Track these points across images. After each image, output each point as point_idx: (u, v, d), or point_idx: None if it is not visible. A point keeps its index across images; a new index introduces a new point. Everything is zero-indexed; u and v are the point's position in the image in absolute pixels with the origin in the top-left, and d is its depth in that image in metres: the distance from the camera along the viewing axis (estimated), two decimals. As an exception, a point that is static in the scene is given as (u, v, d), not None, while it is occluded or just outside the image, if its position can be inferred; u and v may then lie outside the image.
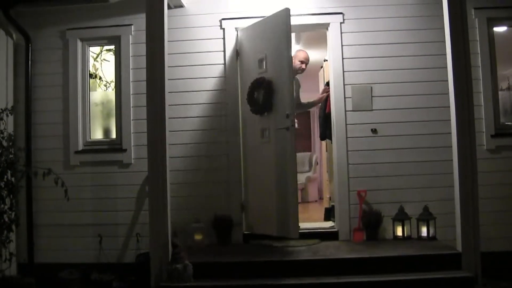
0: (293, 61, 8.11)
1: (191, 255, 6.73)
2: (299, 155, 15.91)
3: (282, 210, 7.25)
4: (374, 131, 7.92)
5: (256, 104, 7.72)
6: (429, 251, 6.83)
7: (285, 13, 7.37)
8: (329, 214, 9.07)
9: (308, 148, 17.96)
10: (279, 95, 7.40)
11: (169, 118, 7.07)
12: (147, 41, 6.76)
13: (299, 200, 13.91)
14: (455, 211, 6.82)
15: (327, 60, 9.36)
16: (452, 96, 6.75)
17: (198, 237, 7.70)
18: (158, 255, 6.50)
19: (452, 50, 6.72)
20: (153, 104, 6.69)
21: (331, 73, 8.19)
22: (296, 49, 11.20)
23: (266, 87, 7.58)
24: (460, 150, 6.61)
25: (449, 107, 6.94)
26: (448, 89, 6.88)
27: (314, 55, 11.82)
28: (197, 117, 8.15)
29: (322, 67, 10.62)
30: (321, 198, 15.23)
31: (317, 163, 16.53)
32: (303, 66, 8.47)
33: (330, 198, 9.58)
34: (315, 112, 16.73)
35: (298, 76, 8.76)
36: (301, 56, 8.48)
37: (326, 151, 10.13)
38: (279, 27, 7.43)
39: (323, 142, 10.98)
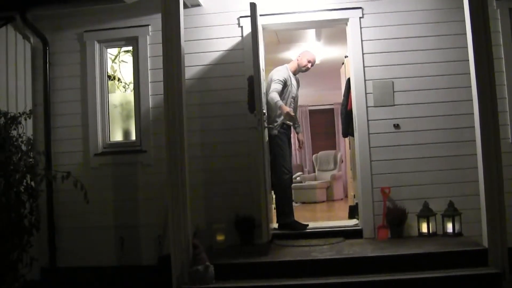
0: (299, 58, 8.30)
1: (212, 256, 6.68)
2: (324, 153, 16.79)
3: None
4: (396, 126, 7.80)
5: (247, 102, 7.85)
6: (455, 247, 6.70)
7: (251, 8, 7.31)
8: (353, 212, 9.01)
9: (333, 146, 18.03)
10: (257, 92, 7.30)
11: (188, 118, 7.05)
12: (163, 41, 6.65)
13: (324, 198, 14.74)
14: (480, 206, 6.69)
15: (348, 57, 9.20)
16: (474, 89, 6.62)
17: (220, 237, 7.61)
18: (179, 257, 6.39)
19: (474, 42, 6.58)
20: (170, 104, 6.58)
21: (351, 68, 8.08)
22: (318, 46, 11.24)
23: (249, 84, 7.73)
24: (484, 143, 6.46)
25: (472, 100, 6.83)
26: (471, 82, 6.74)
27: (335, 52, 12.12)
28: (217, 116, 8.07)
29: (343, 63, 10.52)
30: (346, 196, 15.27)
31: (342, 161, 16.58)
32: (309, 65, 8.38)
33: (354, 196, 9.57)
34: (338, 109, 16.77)
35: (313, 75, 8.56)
36: (309, 55, 8.40)
37: (349, 148, 10.07)
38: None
39: (346, 140, 10.95)
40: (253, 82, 7.38)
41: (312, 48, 10.56)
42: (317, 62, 12.32)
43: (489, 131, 6.43)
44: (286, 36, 10.72)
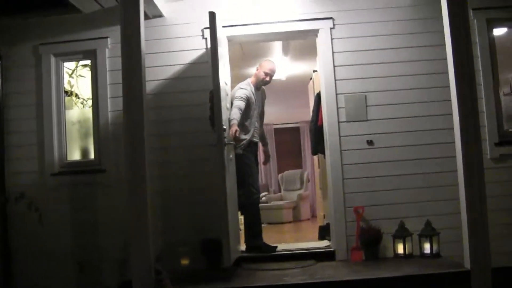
0: (258, 70, 7.89)
1: (177, 282, 6.27)
2: (290, 172, 16.65)
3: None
4: (370, 142, 7.51)
5: (209, 118, 7.41)
6: (435, 269, 6.35)
7: (210, 17, 6.88)
8: (323, 233, 8.69)
9: (299, 165, 17.93)
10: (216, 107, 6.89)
11: (154, 134, 6.91)
12: (123, 53, 6.22)
13: (291, 219, 14.55)
14: (460, 226, 6.35)
15: (316, 71, 9.14)
16: (455, 102, 6.26)
17: (184, 262, 7.21)
18: (140, 282, 5.93)
19: (454, 53, 6.22)
20: (130, 121, 6.15)
21: (322, 82, 7.76)
22: (285, 61, 10.90)
23: (211, 99, 7.22)
24: (466, 159, 6.10)
25: (450, 114, 6.49)
26: (450, 95, 6.41)
27: (303, 67, 11.83)
28: (179, 133, 7.68)
29: (311, 78, 10.23)
30: (313, 216, 15.24)
31: (309, 180, 16.46)
32: (267, 78, 7.90)
33: (324, 216, 9.29)
34: (304, 127, 17.18)
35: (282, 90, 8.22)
36: (266, 66, 7.91)
37: (319, 167, 9.82)
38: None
39: (315, 158, 10.84)
40: (212, 97, 7.02)
41: (278, 63, 10.27)
42: (283, 79, 12.23)
43: (471, 146, 6.08)
44: (252, 49, 10.34)
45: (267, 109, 8.63)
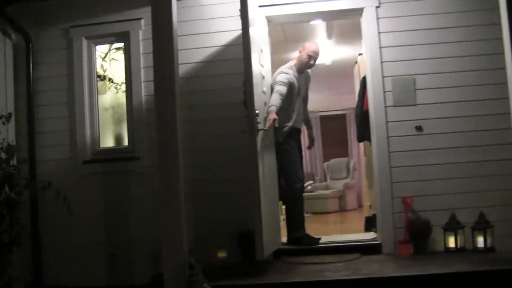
0: (300, 53, 7.43)
1: (212, 276, 5.87)
2: (336, 161, 16.39)
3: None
4: (419, 128, 7.08)
5: (243, 103, 6.94)
6: (490, 266, 5.86)
7: None
8: (370, 224, 8.29)
9: (345, 153, 17.52)
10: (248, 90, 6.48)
11: (185, 121, 6.41)
12: (154, 35, 5.93)
13: (337, 209, 14.25)
14: None
15: (362, 54, 8.70)
16: (511, 85, 5.80)
17: (220, 255, 6.87)
18: (173, 277, 5.61)
19: (511, 31, 5.78)
20: (162, 105, 5.86)
21: (367, 64, 7.35)
22: (329, 45, 10.53)
23: (244, 81, 6.70)
24: None
25: (506, 98, 6.18)
26: (506, 77, 6.05)
27: (347, 51, 11.42)
28: (212, 120, 7.37)
29: (356, 62, 9.87)
30: (360, 206, 14.89)
31: (355, 169, 16.13)
32: (311, 61, 7.43)
33: (370, 206, 8.93)
34: (351, 115, 16.89)
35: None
36: (310, 48, 7.43)
37: (365, 155, 9.44)
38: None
39: (361, 146, 10.48)
40: None
41: (322, 47, 9.88)
42: (328, 63, 11.84)
43: None
44: (294, 33, 9.94)
45: (312, 96, 8.28)
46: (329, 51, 11.34)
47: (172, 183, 5.74)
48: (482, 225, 6.62)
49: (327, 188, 15.89)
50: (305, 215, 13.30)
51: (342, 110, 17.84)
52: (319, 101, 15.94)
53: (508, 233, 6.53)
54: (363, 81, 7.99)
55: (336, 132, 18.04)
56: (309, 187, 15.54)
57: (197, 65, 7.44)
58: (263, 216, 6.18)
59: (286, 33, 9.95)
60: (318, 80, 11.34)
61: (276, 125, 6.63)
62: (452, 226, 6.75)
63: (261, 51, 6.91)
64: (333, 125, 18.05)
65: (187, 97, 7.16)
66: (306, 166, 17.37)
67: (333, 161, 16.67)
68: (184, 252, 5.72)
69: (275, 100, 6.84)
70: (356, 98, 8.55)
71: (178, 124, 5.86)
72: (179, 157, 5.80)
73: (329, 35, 10.37)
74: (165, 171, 5.78)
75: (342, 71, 12.62)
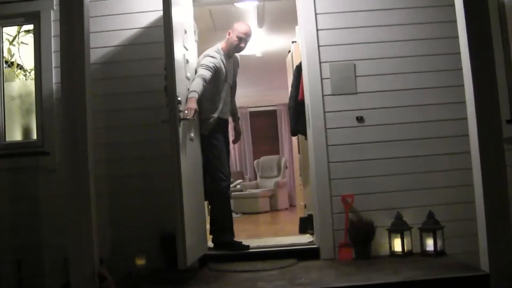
0: (229, 34, 6.76)
1: (127, 286, 5.36)
2: (266, 158, 16.03)
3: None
4: (360, 119, 6.51)
5: (164, 90, 6.22)
6: (443, 272, 5.23)
7: None
8: (305, 226, 7.77)
9: (276, 151, 17.31)
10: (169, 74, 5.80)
11: (101, 110, 6.27)
12: (62, 15, 5.30)
13: (268, 208, 13.91)
14: (468, 218, 5.85)
15: (296, 42, 8.22)
16: (467, 70, 5.27)
17: (139, 261, 6.06)
18: (80, 291, 4.91)
19: (466, 11, 5.24)
20: (69, 93, 5.23)
21: (303, 49, 6.72)
22: (260, 34, 10.13)
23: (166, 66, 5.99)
24: (482, 138, 5.10)
25: (457, 86, 5.89)
26: (458, 62, 5.54)
27: (280, 42, 10.93)
28: (129, 109, 6.65)
29: (290, 51, 9.25)
30: (292, 206, 14.82)
31: (287, 167, 15.97)
32: (241, 44, 6.76)
33: (305, 206, 8.36)
34: (282, 110, 16.86)
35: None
36: (240, 29, 6.75)
37: (299, 152, 8.88)
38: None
39: (294, 141, 10.03)
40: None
41: (252, 37, 9.30)
42: (258, 55, 11.28)
43: (488, 121, 5.09)
44: (223, 20, 9.35)
45: (242, 91, 7.69)
46: (260, 41, 10.78)
47: (80, 180, 5.13)
48: (431, 226, 6.08)
49: (257, 187, 15.61)
50: (235, 215, 13.09)
51: (273, 105, 17.62)
52: (249, 96, 15.74)
53: (459, 234, 6.10)
54: (297, 70, 7.42)
55: (267, 129, 17.82)
56: (238, 186, 15.36)
57: (115, 49, 6.72)
58: (187, 218, 5.43)
59: (215, 21, 9.47)
60: (248, 73, 11.03)
61: (194, 118, 5.92)
62: (398, 227, 6.20)
63: (185, 32, 6.19)
64: (263, 121, 17.83)
65: (103, 84, 6.59)
66: (235, 164, 17.27)
67: (263, 158, 16.36)
68: (93, 261, 5.09)
69: (197, 85, 6.12)
70: (289, 89, 7.95)
71: (88, 114, 5.25)
72: (88, 151, 5.19)
73: (260, 22, 9.81)
74: (73, 168, 5.17)
75: (274, 64, 12.15)
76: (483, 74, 5.11)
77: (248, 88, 14.34)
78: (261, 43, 10.93)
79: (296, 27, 7.66)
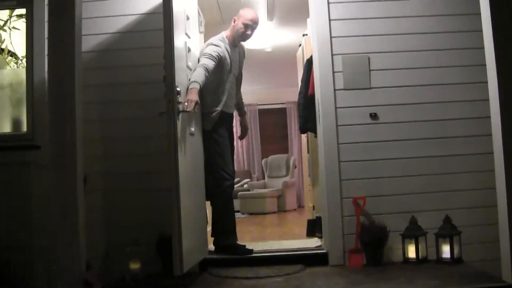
0: (234, 22, 6.38)
1: None
2: (275, 157, 15.83)
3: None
4: (374, 116, 6.14)
5: (164, 80, 5.82)
6: (464, 282, 4.84)
7: None
8: (313, 229, 7.50)
9: (285, 150, 17.03)
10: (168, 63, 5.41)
11: (86, 103, 5.48)
12: None
13: (275, 209, 13.75)
14: (488, 223, 5.64)
15: (307, 34, 7.88)
16: (492, 64, 4.89)
17: (134, 265, 5.68)
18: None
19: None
20: (57, 84, 4.93)
21: (314, 41, 6.33)
22: (270, 28, 9.93)
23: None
24: (507, 138, 4.74)
25: (481, 82, 5.50)
26: (482, 58, 5.16)
27: (290, 36, 10.76)
28: (127, 101, 6.30)
29: (300, 45, 8.92)
30: (300, 206, 14.63)
31: (296, 166, 15.74)
32: (248, 31, 6.37)
33: (314, 208, 7.99)
34: (292, 108, 16.55)
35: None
36: (246, 16, 6.38)
37: (308, 151, 8.49)
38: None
39: (303, 139, 9.56)
40: None
41: (262, 30, 8.98)
42: (268, 49, 11.05)
43: None
44: (231, 12, 8.94)
45: (251, 88, 7.35)
46: (269, 35, 10.52)
47: (67, 178, 4.77)
48: (447, 231, 5.70)
49: (265, 186, 15.41)
50: (241, 215, 12.78)
51: (283, 103, 17.28)
52: (258, 93, 15.65)
53: (477, 240, 5.78)
54: (308, 64, 7.14)
55: (276, 127, 17.54)
56: (245, 186, 15.23)
57: (112, 36, 6.36)
58: (184, 219, 5.06)
59: (222, 13, 9.20)
60: (257, 69, 10.85)
61: (195, 110, 5.51)
62: (413, 232, 5.83)
63: (187, 18, 5.82)
64: (272, 119, 17.53)
65: (99, 74, 6.27)
66: (243, 163, 17.01)
67: (271, 157, 16.12)
68: (80, 266, 4.75)
69: (199, 76, 5.73)
70: (299, 84, 7.64)
71: (77, 105, 4.90)
72: (76, 146, 4.84)
73: (271, 15, 9.53)
74: (59, 163, 4.81)
75: (284, 59, 11.93)
76: (509, 70, 4.73)
77: (257, 84, 14.21)
78: (271, 37, 10.68)
79: (308, 19, 7.32)
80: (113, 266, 5.70)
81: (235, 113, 6.79)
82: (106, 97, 6.27)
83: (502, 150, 4.69)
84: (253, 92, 15.13)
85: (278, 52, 11.69)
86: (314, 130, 6.81)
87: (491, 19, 4.82)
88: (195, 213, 5.60)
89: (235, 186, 14.49)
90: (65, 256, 4.62)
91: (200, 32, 7.03)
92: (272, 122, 17.48)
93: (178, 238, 4.95)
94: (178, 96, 5.11)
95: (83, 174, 4.89)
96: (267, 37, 10.50)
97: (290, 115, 17.14)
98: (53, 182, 4.75)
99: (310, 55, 6.88)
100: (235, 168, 6.73)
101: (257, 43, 10.63)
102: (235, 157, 6.68)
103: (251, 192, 14.47)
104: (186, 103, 5.30)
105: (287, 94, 15.93)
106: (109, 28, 6.35)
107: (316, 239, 7.00)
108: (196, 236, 5.62)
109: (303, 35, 8.43)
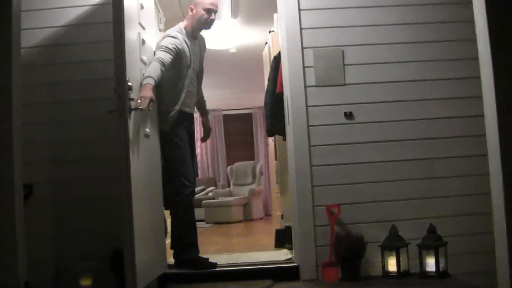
0: (193, 10, 5.86)
1: None
2: (240, 164, 15.69)
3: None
4: (349, 115, 5.67)
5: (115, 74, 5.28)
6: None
7: None
8: (282, 239, 7.13)
9: (251, 156, 16.91)
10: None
11: (30, 103, 5.35)
12: None
13: (241, 218, 13.57)
14: (474, 233, 5.40)
15: (273, 31, 7.58)
16: (486, 55, 4.35)
17: (85, 282, 5.18)
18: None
19: None
20: None
21: (282, 33, 5.85)
22: (234, 25, 9.66)
23: None
24: (505, 138, 4.22)
25: (469, 77, 5.40)
26: (470, 51, 4.98)
27: (255, 36, 10.48)
28: (77, 100, 5.76)
29: (266, 43, 8.54)
30: (267, 215, 14.65)
31: (262, 174, 15.69)
32: (212, 17, 5.88)
33: (282, 217, 7.66)
34: (258, 114, 16.57)
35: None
36: (205, 1, 5.88)
37: (276, 158, 8.11)
38: None
39: (270, 147, 9.49)
40: None
41: (226, 29, 8.59)
42: (232, 50, 10.71)
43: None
44: None
45: (215, 92, 6.84)
46: (234, 34, 10.10)
47: (3, 187, 4.15)
48: (432, 241, 5.25)
49: (230, 194, 15.26)
50: (206, 225, 12.36)
51: (249, 108, 17.16)
52: (222, 98, 15.47)
53: (464, 251, 5.39)
54: (275, 61, 6.70)
55: (242, 133, 17.39)
56: (210, 194, 15.03)
57: (60, 29, 5.82)
58: (139, 230, 4.53)
59: (184, 8, 8.67)
60: (221, 72, 10.91)
61: (150, 108, 4.94)
62: (393, 243, 5.35)
63: (142, 7, 5.26)
64: (238, 125, 17.39)
65: (45, 71, 5.76)
66: (207, 170, 16.70)
67: (237, 164, 16.00)
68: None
69: (153, 70, 5.18)
70: (266, 83, 7.18)
71: (14, 105, 4.25)
72: (13, 150, 4.21)
73: (235, 11, 9.14)
74: None
75: (250, 62, 11.59)
76: (506, 62, 4.25)
77: (222, 89, 13.99)
78: (236, 37, 10.27)
79: (275, 14, 6.93)
80: (62, 283, 5.22)
81: (196, 114, 6.27)
82: (54, 96, 5.76)
83: (499, 151, 4.18)
84: (218, 97, 14.90)
85: (243, 54, 11.33)
86: (282, 133, 6.36)
87: (485, 7, 4.33)
88: (151, 223, 5.07)
89: (200, 194, 14.29)
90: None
91: (160, 30, 6.56)
92: (238, 128, 17.33)
93: (130, 251, 4.40)
94: (129, 92, 4.52)
95: (21, 183, 4.29)
96: (231, 37, 10.09)
97: (256, 121, 17.03)
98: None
99: (278, 51, 6.44)
100: (199, 176, 6.19)
101: (221, 43, 10.19)
102: (199, 165, 6.13)
103: (216, 200, 14.20)
104: (139, 100, 4.72)
105: (253, 99, 15.76)
106: (55, 21, 5.83)
107: (285, 250, 6.57)
108: (153, 249, 5.11)
109: (270, 32, 8.05)
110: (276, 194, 8.90)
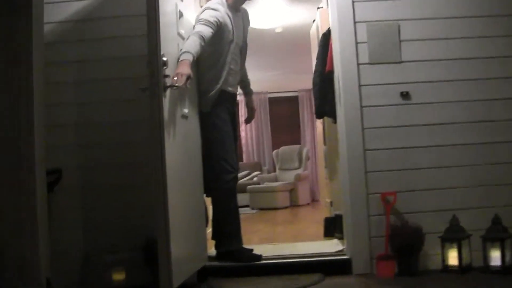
0: None
1: None
2: (286, 148, 15.45)
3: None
4: (405, 95, 5.32)
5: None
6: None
7: None
8: (331, 228, 6.72)
9: (297, 140, 16.67)
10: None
11: (58, 83, 5.20)
12: None
13: (287, 204, 13.34)
14: None
15: (322, 7, 7.25)
16: None
17: (117, 276, 4.86)
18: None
19: None
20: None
21: (333, 6, 5.45)
22: (280, 3, 9.40)
23: None
24: None
25: None
26: None
27: (303, 14, 10.04)
28: (111, 79, 5.47)
29: (314, 21, 8.20)
30: (314, 201, 14.55)
31: (309, 158, 15.38)
32: None
33: (331, 204, 7.29)
34: (304, 96, 16.33)
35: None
36: None
37: (325, 143, 7.82)
38: None
39: (318, 130, 9.02)
40: None
41: (271, 8, 8.74)
42: (278, 30, 10.55)
43: None
44: None
45: (260, 74, 6.54)
46: (280, 12, 9.71)
47: (22, 176, 3.94)
48: (497, 233, 4.91)
49: (276, 179, 14.98)
50: (251, 211, 12.07)
51: (295, 91, 16.96)
52: (267, 81, 15.13)
53: None
54: (324, 38, 6.28)
55: (287, 117, 17.20)
56: (255, 179, 14.87)
57: (91, 3, 5.55)
58: (175, 220, 4.21)
59: None
60: (266, 53, 10.75)
61: (188, 86, 4.58)
62: (454, 234, 5.03)
63: (177, -24, 4.93)
64: (284, 108, 17.22)
65: (75, 47, 5.48)
66: (253, 154, 16.52)
67: (283, 149, 15.76)
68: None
69: (192, 45, 4.81)
70: (314, 63, 6.73)
71: (40, 84, 4.06)
72: (35, 133, 3.98)
73: None
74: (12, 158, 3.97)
75: (296, 42, 11.22)
76: None
77: (267, 71, 13.60)
78: (282, 15, 9.87)
79: None
80: (92, 276, 4.93)
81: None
82: (86, 75, 5.48)
83: None
84: (263, 79, 14.63)
85: (290, 33, 10.99)
86: (332, 115, 5.95)
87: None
88: (189, 212, 4.77)
89: (244, 179, 14.00)
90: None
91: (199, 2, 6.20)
92: (283, 111, 17.17)
93: (165, 244, 4.08)
94: (164, 67, 4.17)
95: (44, 168, 3.98)
96: (277, 15, 9.75)
97: (302, 104, 16.85)
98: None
99: (327, 28, 6.07)
100: (244, 160, 5.86)
101: (266, 22, 9.84)
102: (244, 149, 5.74)
103: (261, 185, 14.00)
104: (175, 78, 4.35)
105: (300, 81, 15.34)
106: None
107: (335, 240, 6.21)
108: (192, 241, 4.81)
109: (318, 8, 7.74)
110: (325, 180, 8.61)
